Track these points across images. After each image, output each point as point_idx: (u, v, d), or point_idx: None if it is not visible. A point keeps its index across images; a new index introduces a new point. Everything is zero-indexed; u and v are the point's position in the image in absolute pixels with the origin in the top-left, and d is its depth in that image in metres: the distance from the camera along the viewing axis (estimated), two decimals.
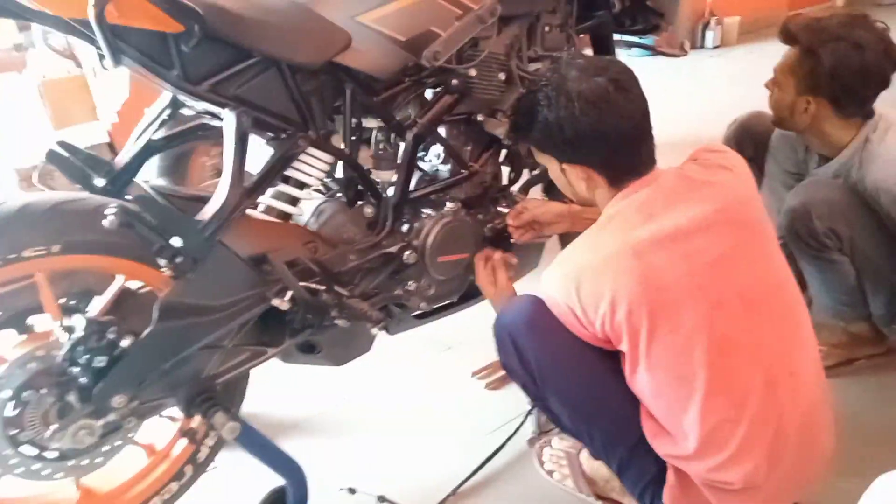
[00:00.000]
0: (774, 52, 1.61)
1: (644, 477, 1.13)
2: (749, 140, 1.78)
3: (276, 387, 1.68)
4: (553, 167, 1.19)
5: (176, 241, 1.01)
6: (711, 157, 1.14)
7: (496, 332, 1.21)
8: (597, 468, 1.34)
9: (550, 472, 1.40)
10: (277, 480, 1.27)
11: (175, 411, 1.19)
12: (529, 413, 1.55)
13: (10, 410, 1.00)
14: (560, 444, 1.44)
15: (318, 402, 1.71)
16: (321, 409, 1.68)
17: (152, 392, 1.08)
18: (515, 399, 1.63)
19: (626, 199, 1.08)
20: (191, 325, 1.09)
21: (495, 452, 1.47)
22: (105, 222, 0.94)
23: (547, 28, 1.53)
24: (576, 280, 1.06)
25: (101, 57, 0.97)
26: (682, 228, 1.03)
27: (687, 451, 1.06)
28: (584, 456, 1.38)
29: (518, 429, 1.52)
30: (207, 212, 1.05)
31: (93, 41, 0.96)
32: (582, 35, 1.72)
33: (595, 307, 1.03)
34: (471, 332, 1.91)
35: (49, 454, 1.05)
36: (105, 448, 1.10)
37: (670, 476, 1.11)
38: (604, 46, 1.75)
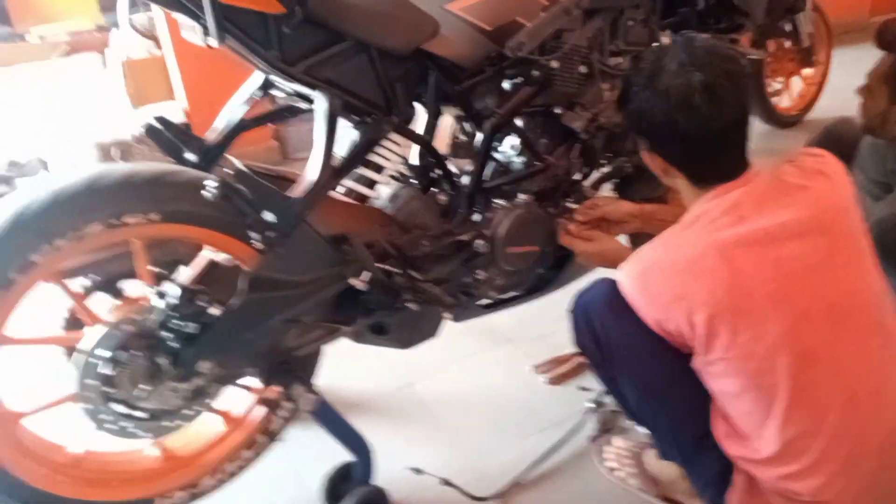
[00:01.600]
0: (854, 58, 1.56)
1: (708, 471, 1.12)
2: (834, 147, 1.71)
3: (341, 366, 1.72)
4: (642, 148, 1.17)
5: (268, 216, 1.05)
6: (809, 160, 1.10)
7: (572, 309, 1.21)
8: (662, 468, 1.33)
9: (612, 470, 1.39)
10: (343, 456, 1.30)
11: (250, 381, 1.24)
12: (592, 409, 1.55)
13: (106, 369, 1.05)
14: (623, 442, 1.43)
15: (382, 384, 1.74)
16: (384, 391, 1.71)
17: (236, 360, 1.13)
18: (575, 395, 1.64)
19: (715, 200, 1.05)
20: (275, 298, 1.13)
21: (557, 446, 1.47)
22: (205, 194, 0.98)
23: (630, 23, 1.51)
24: (652, 278, 1.05)
25: (206, 34, 1.01)
26: (773, 233, 1.00)
27: (759, 455, 1.04)
28: (649, 455, 1.37)
29: (580, 424, 1.52)
30: (298, 189, 1.08)
31: (198, 18, 1.00)
32: (664, 31, 1.69)
33: (671, 308, 1.02)
34: (532, 325, 1.92)
35: (138, 413, 1.11)
36: (187, 411, 1.15)
37: (738, 479, 1.09)
38: None
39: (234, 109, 1.32)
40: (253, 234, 1.05)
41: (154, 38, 3.33)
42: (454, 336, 1.80)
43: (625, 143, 1.61)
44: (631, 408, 1.19)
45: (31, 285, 1.00)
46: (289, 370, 1.16)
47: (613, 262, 1.34)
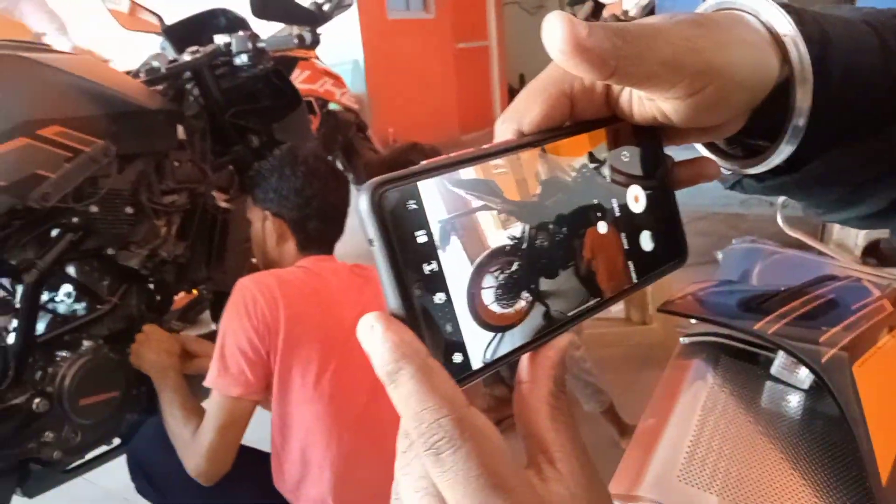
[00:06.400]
0: None
1: None
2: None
3: None
4: (258, 221, 1.37)
5: None
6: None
7: (127, 457, 1.20)
8: None
9: None
10: None
11: None
12: None
13: None
14: None
15: None
16: None
17: None
18: None
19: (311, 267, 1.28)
20: None
21: None
22: None
23: (177, 163, 1.62)
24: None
25: None
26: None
27: None
28: None
29: None
30: None
31: None
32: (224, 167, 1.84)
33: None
34: None
35: None
36: None
37: None
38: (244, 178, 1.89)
39: None
40: None
41: None
42: None
43: (198, 273, 1.69)
44: None
45: None
46: None
47: (155, 371, 1.38)
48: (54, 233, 1.40)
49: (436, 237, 0.25)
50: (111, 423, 1.46)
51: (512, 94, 7.06)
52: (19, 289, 1.32)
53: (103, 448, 1.47)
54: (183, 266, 1.61)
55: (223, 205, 1.77)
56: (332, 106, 3.24)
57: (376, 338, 0.25)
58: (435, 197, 0.25)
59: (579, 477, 0.27)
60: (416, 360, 0.24)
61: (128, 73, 1.63)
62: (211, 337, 1.51)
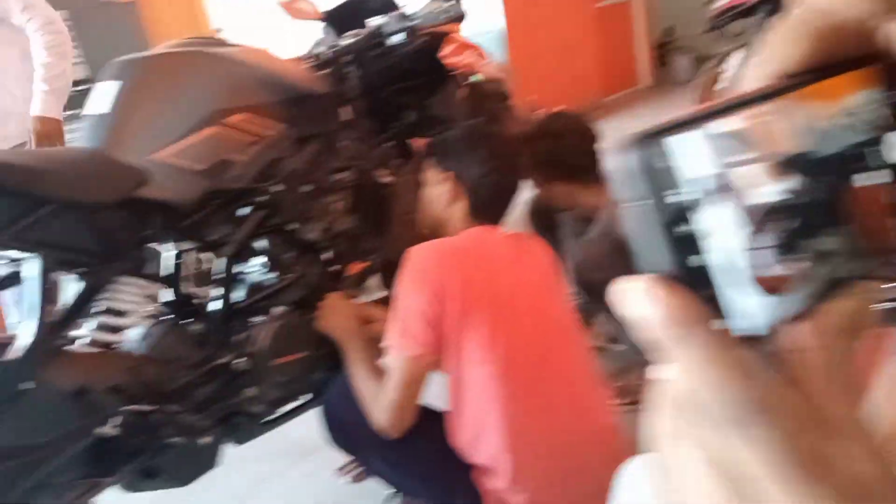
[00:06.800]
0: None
1: None
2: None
3: None
4: (433, 183, 1.44)
5: None
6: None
7: (323, 414, 1.30)
8: None
9: None
10: None
11: None
12: (391, 497, 1.61)
13: None
14: None
15: None
16: None
17: None
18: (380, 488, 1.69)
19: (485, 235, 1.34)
20: (12, 468, 1.09)
21: None
22: None
23: (344, 142, 1.73)
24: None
25: None
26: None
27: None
28: None
29: None
30: (13, 353, 1.09)
31: None
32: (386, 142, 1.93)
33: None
34: None
35: None
36: None
37: None
38: (405, 153, 1.97)
39: None
40: None
41: None
42: (256, 460, 1.79)
43: (368, 243, 1.80)
44: (393, 481, 1.29)
45: None
46: None
47: (340, 334, 1.47)
48: (245, 211, 1.56)
49: (701, 194, 0.24)
50: (303, 380, 1.61)
51: (659, 49, 6.67)
52: (219, 262, 1.49)
53: (297, 402, 1.63)
54: (354, 237, 1.73)
55: (386, 179, 1.86)
56: (476, 78, 3.26)
57: (657, 300, 0.23)
58: (697, 151, 0.24)
59: (878, 450, 0.24)
60: (705, 326, 0.23)
61: (294, 59, 1.76)
62: (383, 303, 1.62)
